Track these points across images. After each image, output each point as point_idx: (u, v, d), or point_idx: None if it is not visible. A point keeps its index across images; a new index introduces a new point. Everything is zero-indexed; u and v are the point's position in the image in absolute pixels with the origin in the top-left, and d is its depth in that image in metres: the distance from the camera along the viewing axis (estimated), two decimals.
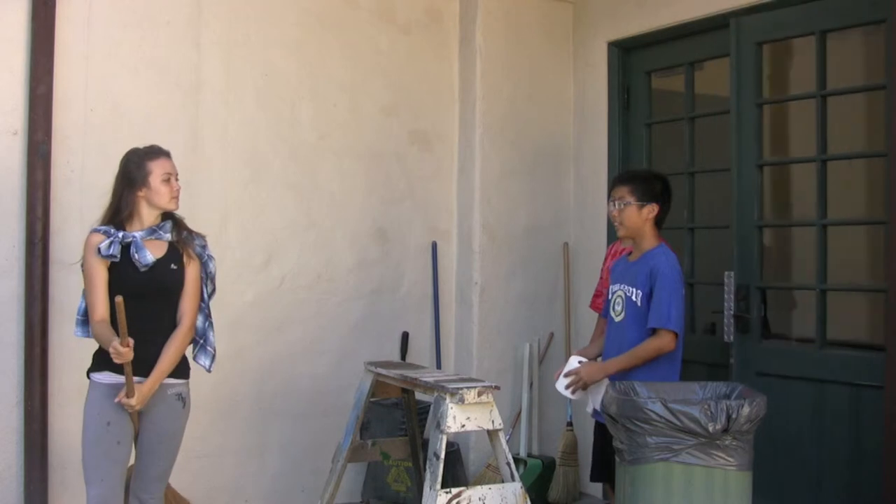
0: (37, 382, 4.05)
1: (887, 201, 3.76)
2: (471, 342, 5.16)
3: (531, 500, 3.65)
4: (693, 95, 4.77)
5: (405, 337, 5.12)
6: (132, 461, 3.42)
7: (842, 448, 3.95)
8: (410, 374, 3.90)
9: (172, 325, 3.36)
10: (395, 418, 4.63)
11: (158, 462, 3.38)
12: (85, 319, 3.40)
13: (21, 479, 4.09)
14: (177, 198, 3.41)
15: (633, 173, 4.06)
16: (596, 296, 4.51)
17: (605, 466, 3.72)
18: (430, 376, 3.81)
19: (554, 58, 5.39)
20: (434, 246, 5.24)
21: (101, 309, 3.28)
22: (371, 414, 4.65)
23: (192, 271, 3.39)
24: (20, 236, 4.09)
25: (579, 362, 3.73)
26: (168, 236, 3.39)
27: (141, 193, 3.34)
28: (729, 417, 2.99)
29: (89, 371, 3.37)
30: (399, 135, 5.13)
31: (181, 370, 3.41)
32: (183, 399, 3.42)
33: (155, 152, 3.40)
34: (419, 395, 4.15)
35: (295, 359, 4.80)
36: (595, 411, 3.71)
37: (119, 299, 3.06)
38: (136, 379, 3.22)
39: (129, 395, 3.20)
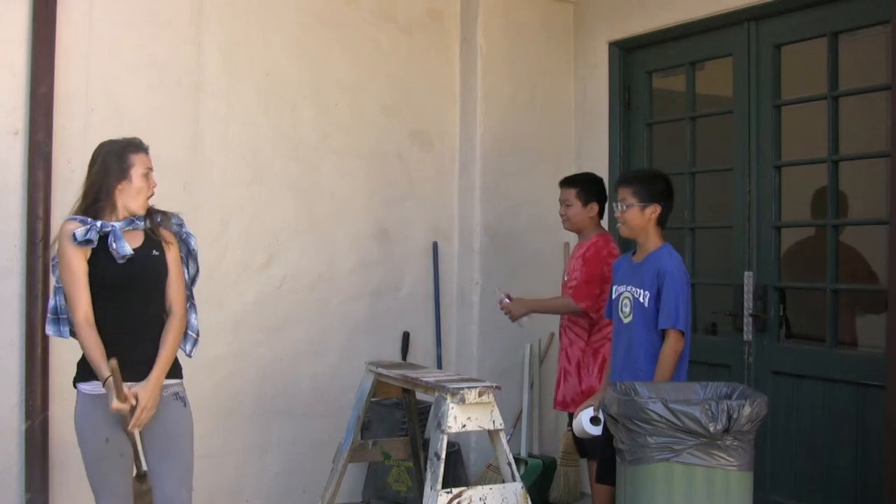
0: (37, 382, 4.05)
1: (888, 201, 3.77)
2: (472, 342, 5.16)
3: (532, 500, 3.64)
4: (694, 95, 4.77)
5: (406, 337, 5.11)
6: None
7: (850, 447, 3.95)
8: (411, 374, 3.90)
9: (156, 319, 3.21)
10: (396, 418, 4.63)
11: (174, 467, 3.22)
12: (57, 318, 3.25)
13: (22, 479, 4.09)
14: (153, 195, 3.27)
15: (635, 174, 4.08)
16: (563, 286, 4.52)
17: (613, 468, 3.71)
18: (430, 376, 3.81)
19: (555, 58, 5.39)
20: (435, 246, 5.23)
21: (83, 305, 3.11)
22: (372, 414, 4.65)
23: (172, 255, 3.26)
24: (21, 236, 4.08)
25: (591, 419, 3.75)
26: (142, 224, 3.23)
27: (120, 186, 3.19)
28: (730, 417, 2.99)
29: (75, 380, 3.25)
30: (400, 135, 5.13)
31: (174, 369, 3.26)
32: (182, 399, 3.28)
33: (136, 145, 3.26)
34: (420, 395, 4.15)
35: (296, 359, 4.80)
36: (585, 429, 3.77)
37: (114, 363, 2.97)
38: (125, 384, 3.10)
39: (121, 399, 3.04)
